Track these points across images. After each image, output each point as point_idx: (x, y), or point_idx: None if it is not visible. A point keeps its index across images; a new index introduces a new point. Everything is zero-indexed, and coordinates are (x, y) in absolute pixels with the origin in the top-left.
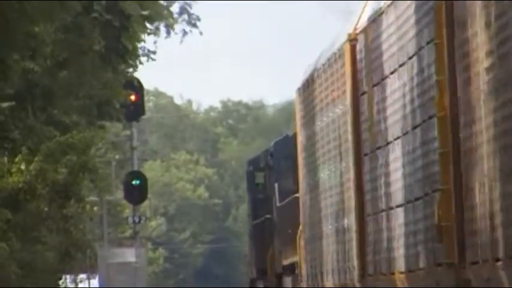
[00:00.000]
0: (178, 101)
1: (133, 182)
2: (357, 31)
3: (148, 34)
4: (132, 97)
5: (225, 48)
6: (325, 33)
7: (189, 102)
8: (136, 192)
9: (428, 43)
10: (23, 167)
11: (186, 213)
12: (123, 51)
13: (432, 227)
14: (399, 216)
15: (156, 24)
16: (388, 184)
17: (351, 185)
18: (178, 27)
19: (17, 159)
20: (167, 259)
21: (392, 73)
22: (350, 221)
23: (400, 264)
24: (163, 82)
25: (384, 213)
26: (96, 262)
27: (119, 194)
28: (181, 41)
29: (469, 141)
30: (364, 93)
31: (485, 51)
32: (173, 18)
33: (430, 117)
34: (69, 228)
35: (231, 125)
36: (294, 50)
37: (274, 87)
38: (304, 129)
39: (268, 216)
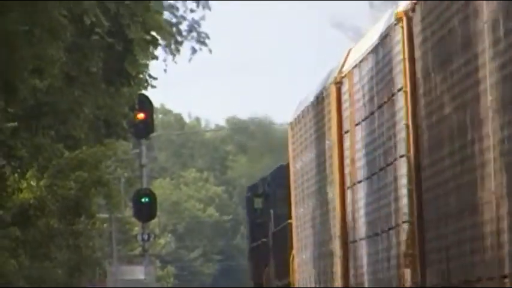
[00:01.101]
0: (186, 118)
1: (143, 200)
2: (342, 74)
3: (152, 58)
4: (141, 115)
5: (233, 65)
6: (332, 49)
7: (197, 120)
8: (146, 210)
9: (398, 91)
10: (33, 183)
11: (195, 231)
12: (127, 75)
13: (401, 254)
14: (376, 244)
15: (165, 42)
16: (367, 214)
17: (335, 214)
18: (187, 45)
19: (27, 176)
20: (176, 277)
21: (371, 114)
22: (335, 246)
23: (387, 283)
24: (171, 100)
25: (363, 241)
26: (105, 279)
27: (128, 212)
28: (190, 59)
29: (430, 180)
30: (347, 131)
31: (443, 101)
32: (182, 36)
33: (401, 156)
34: (79, 244)
35: (239, 143)
36: (301, 68)
37: (283, 104)
38: (296, 161)
39: (264, 239)
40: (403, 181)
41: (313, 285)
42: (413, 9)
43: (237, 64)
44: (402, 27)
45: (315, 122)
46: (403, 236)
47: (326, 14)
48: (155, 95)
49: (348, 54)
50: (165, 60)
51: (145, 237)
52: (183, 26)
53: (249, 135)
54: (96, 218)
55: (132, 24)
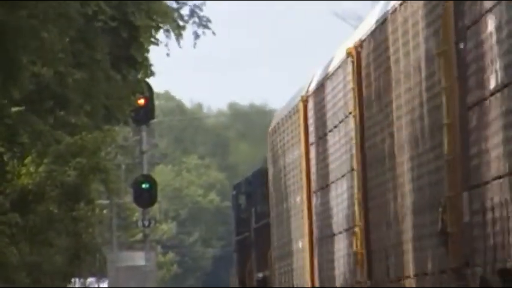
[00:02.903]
0: (188, 104)
1: (143, 186)
2: (308, 93)
3: (153, 43)
4: (142, 101)
5: (234, 51)
6: (332, 36)
7: (199, 105)
8: (146, 196)
9: (350, 113)
10: (32, 169)
11: (197, 217)
12: (133, 62)
13: (353, 254)
14: (335, 243)
15: (166, 27)
16: (328, 217)
17: (303, 215)
18: (189, 30)
19: (26, 161)
20: (178, 263)
21: (330, 131)
22: (303, 244)
23: (337, 281)
24: (173, 85)
25: (325, 240)
26: (105, 265)
27: (128, 198)
28: (194, 44)
29: (374, 190)
30: (312, 143)
31: (382, 126)
32: (184, 20)
33: (352, 170)
34: (79, 231)
35: (240, 129)
36: (303, 54)
37: (283, 90)
38: (273, 166)
39: (247, 234)
40: (354, 190)
41: (287, 278)
42: (361, 46)
43: (238, 50)
44: (352, 61)
45: (288, 133)
46: (354, 237)
47: (327, 2)
48: (157, 81)
49: (314, 75)
50: (166, 45)
51: (146, 223)
52: (185, 11)
53: (249, 121)
54: (95, 204)
55: (137, 12)
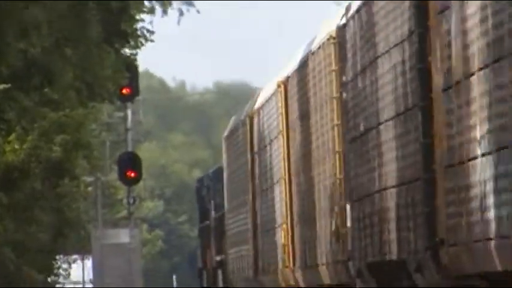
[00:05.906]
0: (171, 83)
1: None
2: (254, 110)
3: (146, 13)
4: (125, 90)
5: (217, 30)
6: (318, 18)
7: (182, 83)
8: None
9: (280, 132)
10: (17, 146)
11: (182, 195)
12: (124, 35)
13: (282, 245)
14: (271, 236)
15: (152, 3)
16: (266, 215)
17: (249, 212)
18: (173, 7)
19: (10, 138)
20: (164, 240)
21: (268, 144)
22: (249, 236)
23: (272, 266)
24: (156, 63)
25: (264, 233)
26: (89, 243)
27: (113, 176)
28: (178, 21)
29: (296, 195)
30: (256, 152)
31: (301, 146)
32: None
33: (281, 178)
34: (63, 207)
35: (225, 107)
36: (288, 33)
37: (268, 68)
38: (227, 167)
39: (208, 222)
40: (283, 195)
41: (238, 262)
42: (287, 80)
43: (224, 27)
44: (281, 91)
45: (237, 141)
46: (283, 232)
47: None
48: (140, 59)
49: (258, 95)
50: (151, 22)
51: (131, 200)
52: None
53: (234, 98)
54: (80, 181)
55: None
